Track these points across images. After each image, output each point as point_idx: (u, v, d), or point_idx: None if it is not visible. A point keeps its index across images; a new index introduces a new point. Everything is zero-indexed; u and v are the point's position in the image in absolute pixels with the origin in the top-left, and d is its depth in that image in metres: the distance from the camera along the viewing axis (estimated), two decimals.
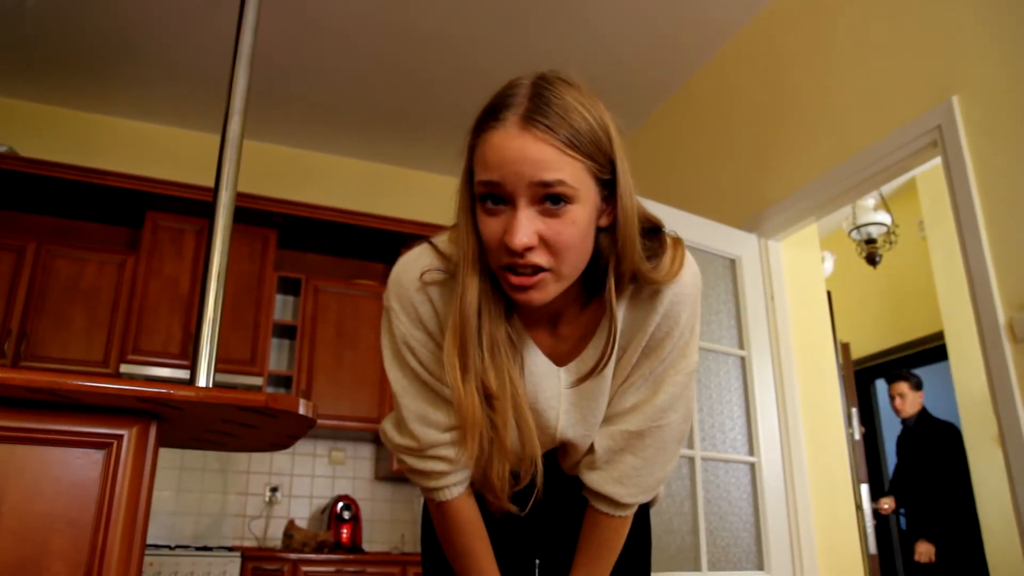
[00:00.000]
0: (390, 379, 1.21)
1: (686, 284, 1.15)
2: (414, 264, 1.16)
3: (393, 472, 4.31)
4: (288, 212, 4.41)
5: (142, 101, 4.55)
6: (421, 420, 1.17)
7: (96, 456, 1.51)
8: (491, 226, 1.00)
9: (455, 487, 1.20)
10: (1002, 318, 2.42)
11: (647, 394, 1.18)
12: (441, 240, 1.17)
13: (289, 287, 4.58)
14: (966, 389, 4.49)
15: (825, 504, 3.28)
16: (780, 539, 3.05)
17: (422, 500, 1.31)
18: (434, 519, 1.24)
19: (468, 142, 1.03)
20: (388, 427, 1.25)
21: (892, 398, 4.66)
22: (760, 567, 2.99)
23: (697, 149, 4.08)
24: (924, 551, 4.25)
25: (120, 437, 1.53)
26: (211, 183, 2.10)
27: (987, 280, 2.47)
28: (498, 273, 1.04)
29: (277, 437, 1.89)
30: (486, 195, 0.99)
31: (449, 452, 1.16)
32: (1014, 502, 2.33)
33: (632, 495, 1.19)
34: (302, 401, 1.64)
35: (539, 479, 1.16)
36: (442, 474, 1.18)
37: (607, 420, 1.20)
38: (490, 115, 1.00)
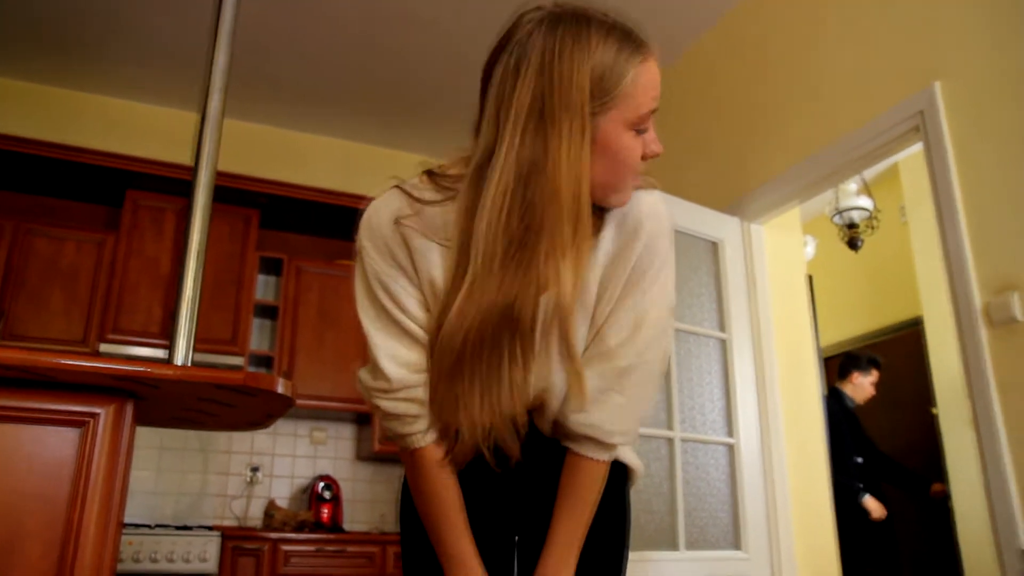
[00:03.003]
0: (362, 320, 1.22)
1: (663, 216, 1.24)
2: (386, 206, 1.21)
3: (375, 452, 4.32)
4: (271, 192, 4.39)
5: (123, 78, 4.49)
6: (393, 359, 1.18)
7: (71, 434, 1.50)
8: (638, 146, 1.15)
9: (429, 433, 1.20)
10: (979, 302, 2.45)
11: (631, 330, 1.19)
12: (412, 184, 1.22)
13: (271, 267, 4.56)
14: (943, 374, 4.54)
15: (802, 486, 3.31)
16: (757, 520, 3.08)
17: (402, 479, 1.31)
18: (408, 471, 1.24)
19: (615, 71, 1.08)
20: (363, 372, 1.24)
21: (860, 386, 4.54)
22: (737, 547, 3.03)
23: (681, 132, 4.08)
24: (874, 507, 4.16)
25: (96, 415, 1.52)
26: (192, 162, 2.08)
27: (965, 265, 2.49)
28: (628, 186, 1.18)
29: (256, 416, 1.88)
30: (641, 120, 1.12)
31: (422, 394, 1.18)
32: (985, 485, 2.36)
33: (618, 435, 1.21)
34: (280, 380, 1.64)
35: (521, 421, 1.18)
36: (416, 417, 1.19)
37: (595, 359, 1.20)
38: (635, 49, 1.11)
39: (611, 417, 1.19)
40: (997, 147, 2.46)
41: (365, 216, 1.23)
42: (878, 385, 4.51)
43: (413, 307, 1.19)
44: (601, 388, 1.19)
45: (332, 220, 4.69)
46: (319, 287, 4.51)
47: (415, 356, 1.18)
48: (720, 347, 3.25)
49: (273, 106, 4.76)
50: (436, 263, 1.18)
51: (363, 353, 4.01)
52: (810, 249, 5.02)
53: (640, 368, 1.20)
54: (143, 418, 1.89)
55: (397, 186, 1.23)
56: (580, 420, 1.20)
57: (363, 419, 4.50)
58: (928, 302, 4.70)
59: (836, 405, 4.33)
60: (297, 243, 4.82)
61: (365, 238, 1.22)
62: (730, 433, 3.16)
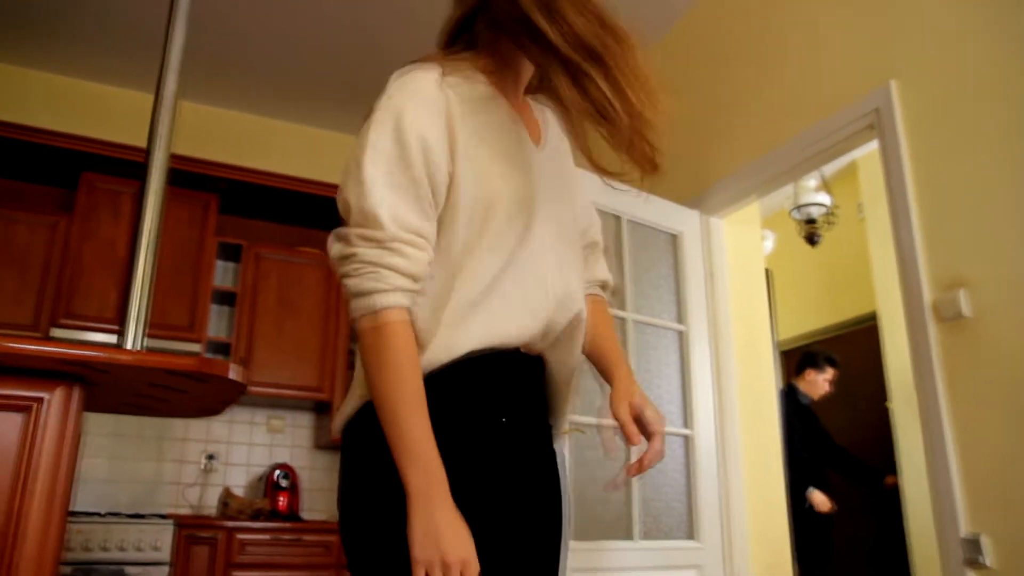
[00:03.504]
0: (366, 169, 1.07)
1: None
2: (425, 72, 1.14)
3: (333, 441, 4.29)
4: (230, 177, 4.33)
5: (80, 57, 4.39)
6: (392, 214, 1.06)
7: (16, 419, 1.47)
8: None
9: (401, 295, 1.06)
10: (928, 298, 2.50)
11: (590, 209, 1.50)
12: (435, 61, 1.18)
13: (230, 253, 4.50)
14: (897, 368, 4.63)
15: (756, 477, 3.36)
16: (711, 510, 3.12)
17: (350, 471, 1.13)
18: (370, 348, 1.05)
19: None
20: (340, 230, 1.10)
21: (814, 383, 4.64)
22: (691, 537, 3.06)
23: None
24: (819, 500, 4.29)
25: (41, 400, 1.49)
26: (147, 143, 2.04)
27: (916, 261, 2.54)
28: None
29: (209, 402, 1.87)
30: None
31: (412, 251, 1.06)
32: (930, 476, 2.42)
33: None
34: (233, 366, 1.62)
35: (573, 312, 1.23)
36: (396, 272, 1.05)
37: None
38: None
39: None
40: (951, 146, 2.51)
41: (399, 82, 1.13)
42: (835, 382, 4.62)
43: (441, 180, 1.10)
44: (594, 252, 1.47)
45: (293, 207, 4.64)
46: (279, 274, 4.46)
47: (414, 220, 1.07)
48: (678, 339, 3.28)
49: (235, 90, 4.69)
50: (477, 131, 1.14)
51: (322, 341, 3.90)
52: (769, 244, 5.09)
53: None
54: (93, 404, 1.86)
55: (423, 60, 1.18)
56: (598, 269, 1.45)
57: (322, 407, 4.48)
58: (883, 298, 4.79)
59: (789, 401, 4.43)
60: (257, 229, 4.76)
61: (408, 98, 1.11)
62: (687, 424, 3.19)
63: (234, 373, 1.62)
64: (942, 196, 2.52)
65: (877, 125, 2.75)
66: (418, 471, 1.01)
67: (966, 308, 2.38)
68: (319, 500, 4.49)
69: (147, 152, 2.02)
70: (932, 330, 2.47)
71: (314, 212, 4.69)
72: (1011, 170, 2.32)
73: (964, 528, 2.31)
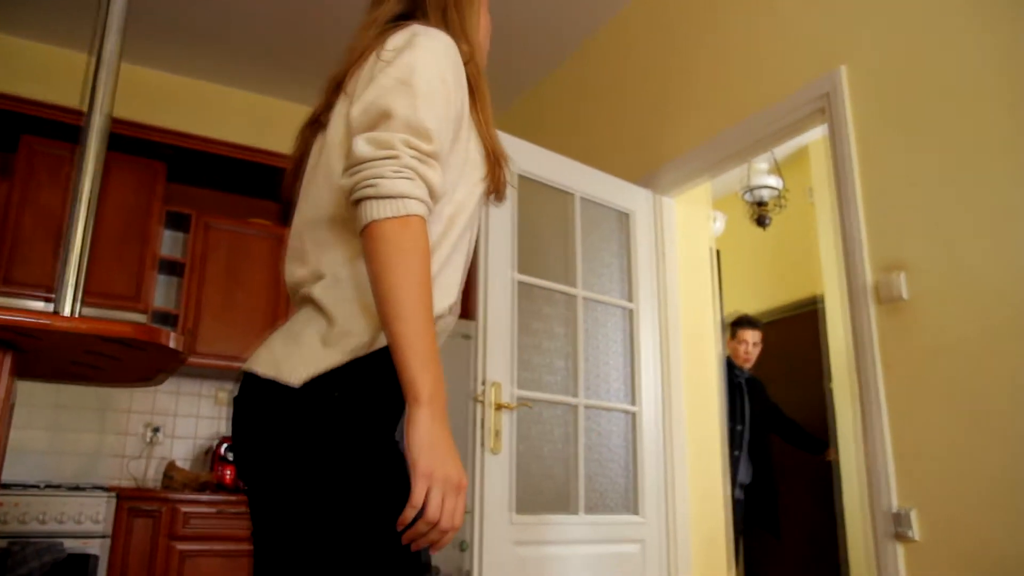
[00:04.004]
0: (423, 82, 1.11)
1: None
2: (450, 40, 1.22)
3: None
4: (178, 144, 4.23)
5: (19, 15, 4.24)
6: (437, 132, 1.11)
7: None
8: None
9: (426, 208, 1.08)
10: (869, 280, 2.55)
11: None
12: None
13: (178, 223, 4.41)
14: (837, 350, 4.73)
15: (699, 453, 3.42)
16: (654, 485, 3.17)
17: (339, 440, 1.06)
18: (396, 248, 1.01)
19: None
20: (379, 133, 1.08)
21: (743, 344, 4.54)
22: (634, 511, 3.11)
23: (598, 104, 4.10)
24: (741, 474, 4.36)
25: None
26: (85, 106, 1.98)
27: (859, 244, 2.60)
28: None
29: (146, 371, 1.83)
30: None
31: (440, 172, 1.11)
32: (864, 453, 2.49)
33: None
34: (171, 334, 1.60)
35: None
36: (430, 186, 1.08)
37: None
38: None
39: None
40: (897, 132, 2.56)
41: (434, 33, 1.19)
42: (775, 355, 4.62)
43: (455, 131, 1.19)
44: None
45: (244, 176, 4.56)
46: (228, 245, 4.39)
47: (446, 147, 1.15)
48: (626, 317, 3.31)
49: (186, 55, 4.58)
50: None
51: (271, 312, 3.83)
52: (719, 225, 5.14)
53: None
54: (27, 371, 1.82)
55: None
56: None
57: None
58: (828, 281, 4.88)
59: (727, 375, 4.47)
60: (206, 199, 4.67)
61: (447, 48, 1.19)
62: (632, 401, 3.23)
63: (172, 341, 1.60)
64: (886, 181, 2.57)
65: (826, 110, 2.79)
66: (430, 378, 1.00)
67: (904, 291, 2.44)
68: None
69: (86, 116, 1.96)
70: (872, 311, 2.53)
71: (265, 182, 4.61)
72: (953, 157, 2.38)
73: (894, 503, 2.38)
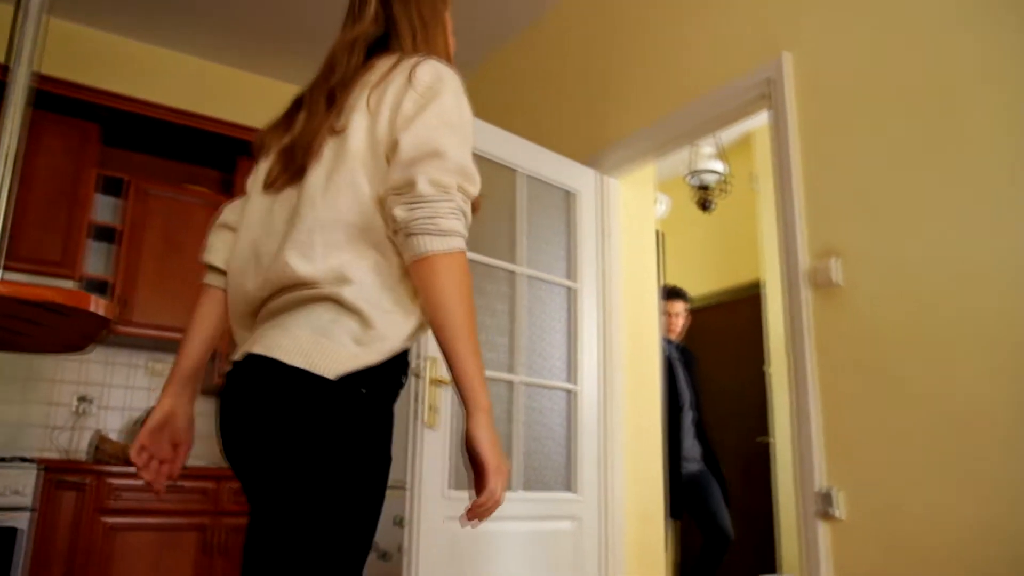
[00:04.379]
0: (469, 128, 1.32)
1: None
2: None
3: (217, 385, 4.18)
4: (113, 106, 4.09)
5: None
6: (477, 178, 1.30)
7: None
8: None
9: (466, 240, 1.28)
10: (806, 265, 2.60)
11: None
12: None
13: (114, 188, 4.27)
14: (775, 335, 4.83)
15: (636, 434, 3.46)
16: (591, 463, 3.20)
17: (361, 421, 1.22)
18: (457, 280, 1.21)
19: (447, 4, 1.54)
20: (441, 174, 1.24)
21: (669, 315, 4.45)
22: (571, 489, 3.14)
23: (545, 84, 4.09)
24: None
25: None
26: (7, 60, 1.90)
27: (796, 230, 2.64)
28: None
29: (70, 338, 1.78)
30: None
31: None
32: (794, 435, 2.54)
33: None
34: (96, 299, 1.54)
35: None
36: (467, 225, 1.26)
37: None
38: None
39: None
40: (838, 121, 2.60)
41: (459, 82, 1.36)
42: (717, 339, 4.64)
43: None
44: None
45: (183, 142, 4.44)
46: (165, 212, 4.27)
47: None
48: (568, 296, 3.32)
49: (124, 14, 4.42)
50: None
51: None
52: (663, 207, 5.18)
53: None
54: None
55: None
56: None
57: None
58: (767, 267, 4.98)
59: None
60: (143, 164, 4.53)
61: (464, 94, 1.36)
62: (571, 379, 3.24)
63: (98, 307, 1.54)
64: (825, 169, 2.61)
65: (769, 96, 2.82)
66: (485, 389, 1.22)
67: (838, 276, 2.49)
68: (200, 445, 4.33)
69: (10, 71, 1.88)
70: (806, 296, 2.58)
71: (204, 149, 4.50)
72: (891, 148, 2.42)
73: (820, 483, 2.44)
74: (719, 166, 4.92)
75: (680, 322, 4.51)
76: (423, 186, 1.20)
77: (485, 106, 4.40)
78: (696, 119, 3.08)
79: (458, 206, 1.22)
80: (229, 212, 1.54)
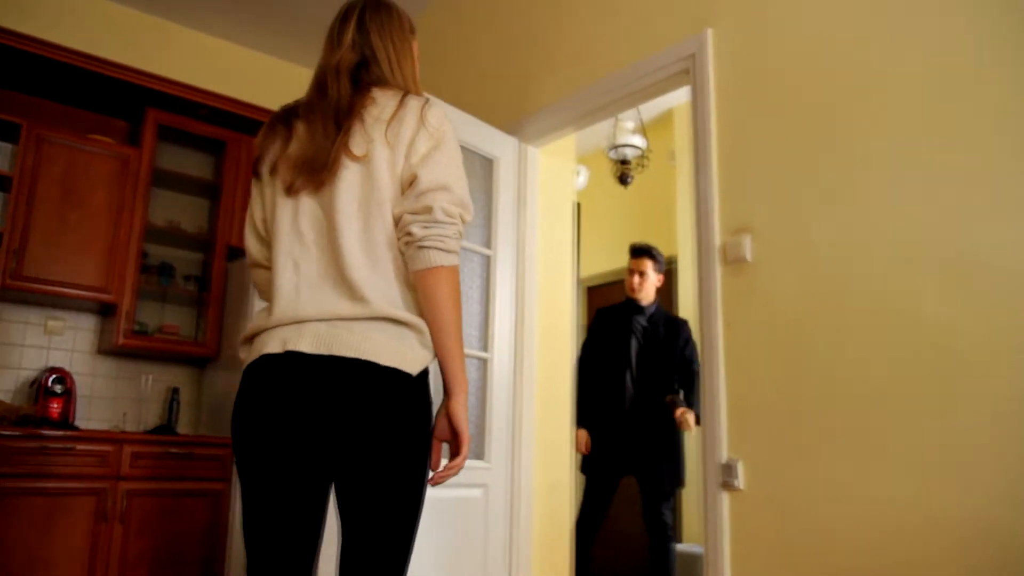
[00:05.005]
0: (462, 171, 1.62)
1: None
2: None
3: (118, 346, 4.02)
4: (10, 44, 3.83)
5: None
6: None
7: None
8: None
9: None
10: (718, 241, 2.64)
11: None
12: None
13: (6, 133, 4.02)
14: (686, 311, 4.93)
15: (548, 403, 3.49)
16: (502, 432, 3.21)
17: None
18: (454, 289, 1.55)
19: (412, 28, 1.81)
20: (457, 205, 1.58)
21: (631, 273, 4.13)
22: (480, 457, 3.14)
23: (467, 49, 4.03)
24: (582, 438, 4.01)
25: None
26: None
27: (711, 206, 2.68)
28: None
29: None
30: None
31: None
32: (701, 407, 2.60)
33: None
34: None
35: None
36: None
37: None
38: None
39: None
40: (756, 99, 2.63)
41: (444, 111, 1.66)
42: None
43: None
44: None
45: (88, 89, 4.19)
46: (66, 161, 4.03)
47: None
48: (484, 263, 3.30)
49: None
50: None
51: (111, 238, 3.55)
52: (582, 179, 5.20)
53: None
54: None
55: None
56: None
57: (107, 309, 4.16)
58: (682, 244, 5.06)
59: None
60: (41, 109, 4.27)
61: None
62: (485, 348, 3.24)
63: None
64: (742, 146, 2.65)
65: (691, 71, 2.84)
66: (465, 376, 1.57)
67: (748, 252, 2.54)
68: (100, 408, 4.21)
69: None
70: (718, 272, 2.62)
71: (112, 98, 4.28)
72: (805, 128, 2.47)
73: (724, 454, 2.51)
74: (639, 141, 4.96)
75: (646, 283, 4.10)
76: (438, 213, 1.53)
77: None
78: (618, 91, 3.08)
79: (459, 231, 1.57)
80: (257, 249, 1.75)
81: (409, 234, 1.52)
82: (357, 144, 1.56)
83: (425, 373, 1.55)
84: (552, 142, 3.57)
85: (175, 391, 4.32)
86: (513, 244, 3.41)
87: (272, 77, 5.00)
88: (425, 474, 1.55)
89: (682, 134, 5.23)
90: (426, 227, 1.52)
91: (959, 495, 1.99)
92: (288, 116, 1.68)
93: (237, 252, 4.37)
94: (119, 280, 4.02)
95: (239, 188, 4.43)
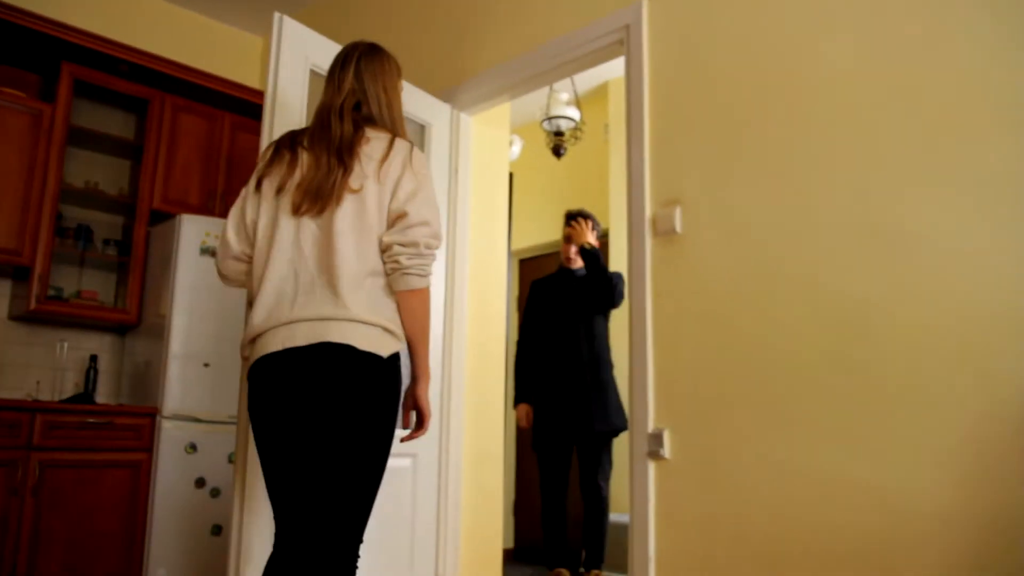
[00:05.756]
0: (438, 208, 2.02)
1: None
2: None
3: (31, 311, 3.85)
4: None
5: None
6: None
7: None
8: None
9: None
10: (648, 213, 2.66)
11: None
12: None
13: None
14: None
15: (478, 373, 3.48)
16: (432, 402, 3.18)
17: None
18: (426, 305, 2.00)
19: (400, 73, 2.21)
20: (432, 235, 1.96)
21: (567, 241, 4.07)
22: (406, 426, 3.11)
23: (402, 12, 3.94)
24: (524, 412, 4.02)
25: None
26: None
27: (642, 177, 2.69)
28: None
29: None
30: None
31: None
32: (630, 377, 2.62)
33: None
34: None
35: None
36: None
37: None
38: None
39: None
40: (690, 72, 2.64)
41: (423, 156, 2.05)
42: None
43: None
44: None
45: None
46: None
47: None
48: None
49: None
50: None
51: (23, 198, 3.35)
52: (516, 149, 5.17)
53: None
54: None
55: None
56: None
57: (20, 273, 3.97)
58: (614, 217, 5.09)
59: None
60: None
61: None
62: None
63: None
64: (674, 118, 2.67)
65: (625, 42, 2.83)
66: (428, 367, 2.06)
67: (679, 224, 2.56)
68: (11, 376, 4.04)
69: None
70: (648, 243, 2.64)
71: (26, 50, 4.04)
72: (737, 102, 2.50)
73: (651, 424, 2.54)
74: (574, 113, 4.95)
75: (571, 248, 4.05)
76: (422, 247, 1.92)
77: (342, 27, 4.21)
78: (554, 60, 3.06)
79: (433, 258, 1.97)
80: (238, 243, 2.07)
81: (396, 262, 1.91)
82: (355, 179, 1.93)
83: (395, 356, 1.91)
84: (486, 110, 3.53)
85: (93, 359, 4.17)
86: (445, 213, 3.37)
87: (198, 35, 4.83)
88: (391, 431, 1.93)
89: (617, 108, 5.24)
90: (411, 258, 1.91)
91: (879, 466, 2.05)
92: (293, 144, 2.03)
93: (160, 216, 4.22)
94: (32, 242, 3.84)
95: (162, 149, 4.27)
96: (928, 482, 1.96)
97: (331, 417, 1.83)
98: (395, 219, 1.93)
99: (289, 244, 1.94)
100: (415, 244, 1.90)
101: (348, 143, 1.95)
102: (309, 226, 1.94)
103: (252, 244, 2.02)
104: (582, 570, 3.95)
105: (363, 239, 1.91)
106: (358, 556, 1.88)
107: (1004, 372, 1.89)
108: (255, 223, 2.01)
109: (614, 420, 3.89)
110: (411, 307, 1.95)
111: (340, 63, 2.12)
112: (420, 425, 2.10)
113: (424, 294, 1.97)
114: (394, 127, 2.07)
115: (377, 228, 1.93)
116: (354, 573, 1.87)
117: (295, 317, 1.87)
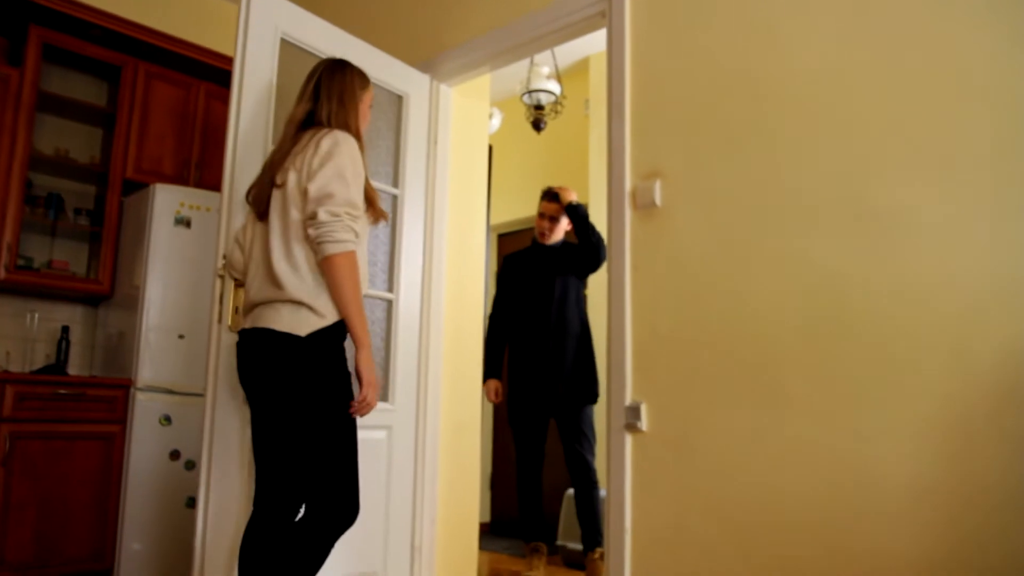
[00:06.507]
0: (349, 174, 2.13)
1: None
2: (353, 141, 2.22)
3: (7, 281, 3.78)
4: None
5: None
6: (359, 203, 2.16)
7: None
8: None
9: (354, 245, 2.14)
10: (628, 186, 2.64)
11: None
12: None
13: None
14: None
15: (456, 345, 3.47)
16: (408, 374, 3.18)
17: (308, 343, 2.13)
18: (347, 271, 2.09)
19: (363, 85, 2.40)
20: (342, 206, 2.10)
21: (542, 217, 4.00)
22: (384, 399, 3.10)
23: None
24: (493, 388, 3.96)
25: None
26: None
27: (623, 149, 2.67)
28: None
29: None
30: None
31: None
32: (607, 351, 2.62)
33: None
34: None
35: None
36: (355, 233, 2.13)
37: None
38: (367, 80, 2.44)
39: None
40: (671, 45, 2.62)
41: (352, 144, 2.18)
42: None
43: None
44: None
45: None
46: None
47: (362, 211, 2.23)
48: (391, 202, 3.22)
49: None
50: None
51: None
52: (496, 122, 5.13)
53: None
54: None
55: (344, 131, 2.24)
56: None
57: None
58: (594, 192, 5.07)
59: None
60: None
61: (353, 148, 2.18)
62: (390, 288, 3.18)
63: None
64: (655, 90, 2.65)
65: (607, 14, 2.80)
66: (366, 335, 2.15)
67: (658, 198, 2.55)
68: None
69: None
70: (627, 216, 2.63)
71: None
72: (718, 76, 2.48)
73: (628, 396, 2.54)
74: (554, 87, 4.91)
75: (557, 227, 3.99)
76: (322, 216, 2.06)
77: (319, 1, 4.14)
78: (536, 30, 3.02)
79: (346, 225, 2.08)
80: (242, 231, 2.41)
81: (307, 236, 2.10)
82: (279, 175, 2.18)
83: (318, 334, 2.09)
84: (466, 82, 3.50)
85: (65, 330, 4.11)
86: (423, 184, 3.34)
87: (173, 1, 4.72)
88: (322, 405, 2.10)
89: (598, 83, 5.21)
90: (316, 228, 2.06)
91: (855, 438, 2.07)
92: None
93: (133, 186, 4.15)
94: (0, 210, 3.77)
95: (135, 117, 4.19)
96: (903, 454, 1.98)
97: (265, 395, 2.15)
98: (304, 199, 2.11)
99: (253, 246, 2.27)
100: (314, 216, 2.06)
101: (286, 151, 2.21)
102: (259, 227, 2.26)
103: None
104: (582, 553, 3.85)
105: (287, 227, 2.13)
106: (332, 519, 2.10)
107: (980, 345, 1.90)
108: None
109: (584, 390, 3.83)
110: (330, 274, 2.07)
111: (307, 78, 2.33)
112: (359, 394, 2.16)
113: (339, 260, 2.06)
114: (344, 128, 2.24)
115: (297, 213, 2.12)
116: (324, 534, 2.09)
117: (253, 300, 2.19)
